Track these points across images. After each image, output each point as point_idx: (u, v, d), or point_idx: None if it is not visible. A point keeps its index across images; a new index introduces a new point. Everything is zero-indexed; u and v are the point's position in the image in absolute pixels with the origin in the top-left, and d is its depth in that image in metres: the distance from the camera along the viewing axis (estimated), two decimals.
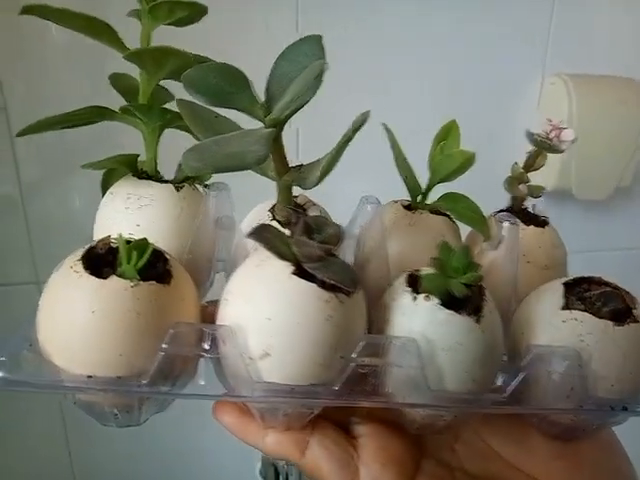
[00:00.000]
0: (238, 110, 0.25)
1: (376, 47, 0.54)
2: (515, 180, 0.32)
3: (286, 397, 0.21)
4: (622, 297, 0.27)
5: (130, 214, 0.29)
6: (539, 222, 0.34)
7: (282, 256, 0.22)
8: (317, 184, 0.26)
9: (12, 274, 0.55)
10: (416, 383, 0.23)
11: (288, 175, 0.28)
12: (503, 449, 0.29)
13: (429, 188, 0.32)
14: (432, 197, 0.33)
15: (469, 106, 0.57)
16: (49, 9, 0.29)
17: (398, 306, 0.25)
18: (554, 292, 0.27)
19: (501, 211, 0.35)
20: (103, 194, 0.32)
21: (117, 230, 0.28)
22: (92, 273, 0.21)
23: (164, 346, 0.21)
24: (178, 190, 0.30)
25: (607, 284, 0.28)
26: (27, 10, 0.29)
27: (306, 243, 0.22)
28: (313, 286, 0.22)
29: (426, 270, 0.27)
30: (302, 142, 0.55)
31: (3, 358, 0.20)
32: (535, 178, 0.59)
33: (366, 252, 0.31)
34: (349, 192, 0.49)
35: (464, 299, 0.24)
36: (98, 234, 0.29)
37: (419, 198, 0.33)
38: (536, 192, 0.33)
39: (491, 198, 0.56)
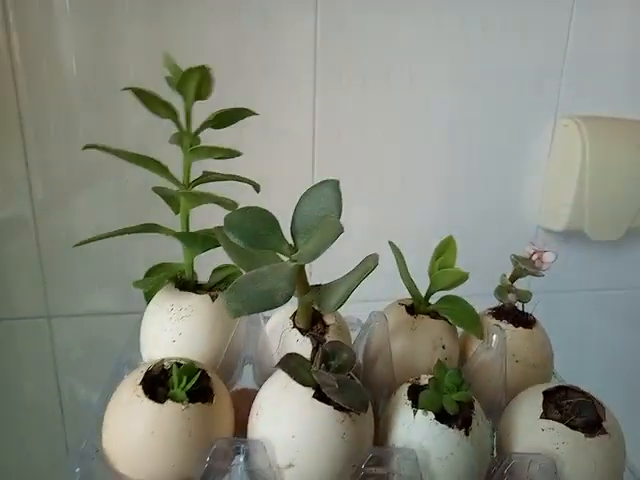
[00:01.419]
0: (269, 250, 0.31)
1: (385, 93, 0.55)
2: (504, 289, 0.37)
3: None
4: (594, 407, 0.31)
5: (173, 324, 0.34)
6: (528, 322, 0.38)
7: (304, 383, 0.27)
8: (334, 311, 0.31)
9: (22, 308, 0.55)
10: None
11: (308, 295, 0.33)
12: None
13: (428, 296, 0.37)
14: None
15: (481, 146, 0.59)
16: (108, 148, 0.34)
17: (400, 417, 0.29)
18: (535, 399, 0.32)
19: (494, 310, 0.40)
20: (147, 299, 0.37)
21: (163, 338, 0.34)
22: (150, 396, 0.26)
23: (208, 460, 0.26)
24: (213, 300, 0.35)
25: (582, 393, 0.32)
26: (89, 146, 0.35)
27: (323, 374, 0.27)
28: (330, 408, 0.27)
29: (425, 378, 0.31)
30: None
31: (78, 469, 0.25)
32: (547, 220, 0.59)
33: (373, 353, 0.36)
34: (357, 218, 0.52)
35: (456, 413, 0.29)
36: (146, 340, 0.35)
37: (420, 301, 0.38)
38: (524, 298, 0.37)
39: (501, 237, 0.56)
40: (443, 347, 0.37)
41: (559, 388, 0.33)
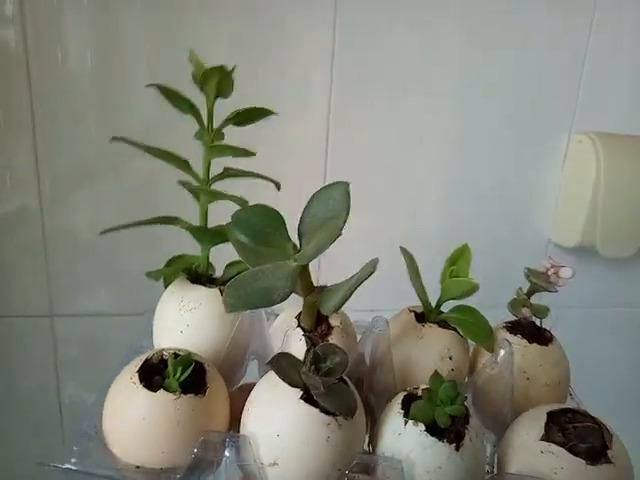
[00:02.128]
0: (274, 248, 0.31)
1: (400, 100, 0.56)
2: (519, 303, 0.36)
3: None
4: (601, 434, 0.29)
5: (182, 315, 0.35)
6: (544, 339, 0.37)
7: (293, 383, 0.27)
8: (333, 313, 0.31)
9: (27, 306, 0.55)
10: None
11: (312, 295, 0.33)
12: None
13: (439, 305, 0.37)
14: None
15: (494, 160, 0.59)
16: (138, 144, 0.35)
17: (391, 426, 0.29)
18: (538, 420, 0.31)
19: (510, 324, 0.38)
20: (165, 285, 0.38)
21: (172, 328, 0.35)
22: (145, 385, 0.27)
23: (195, 451, 0.26)
24: (222, 293, 0.36)
25: (590, 418, 0.31)
26: (117, 139, 0.36)
27: (311, 376, 0.27)
28: (316, 411, 0.27)
29: (423, 388, 0.31)
30: None
31: (76, 448, 0.27)
32: (559, 236, 0.59)
33: (374, 359, 0.36)
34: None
35: (448, 427, 0.28)
36: (157, 329, 0.36)
37: (431, 310, 0.37)
38: (539, 313, 0.36)
39: (513, 252, 0.56)
40: (450, 358, 0.36)
41: (565, 410, 0.31)
